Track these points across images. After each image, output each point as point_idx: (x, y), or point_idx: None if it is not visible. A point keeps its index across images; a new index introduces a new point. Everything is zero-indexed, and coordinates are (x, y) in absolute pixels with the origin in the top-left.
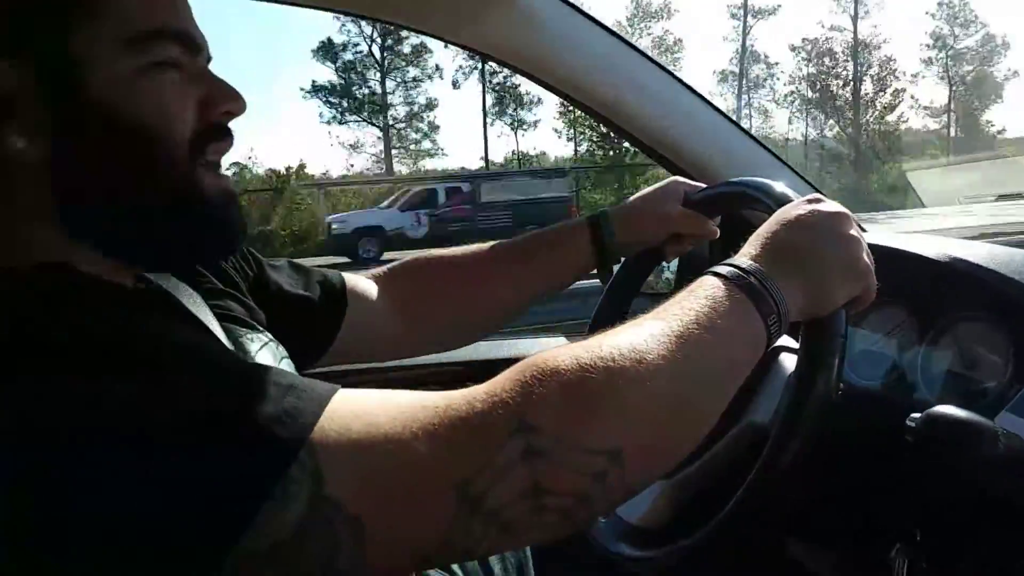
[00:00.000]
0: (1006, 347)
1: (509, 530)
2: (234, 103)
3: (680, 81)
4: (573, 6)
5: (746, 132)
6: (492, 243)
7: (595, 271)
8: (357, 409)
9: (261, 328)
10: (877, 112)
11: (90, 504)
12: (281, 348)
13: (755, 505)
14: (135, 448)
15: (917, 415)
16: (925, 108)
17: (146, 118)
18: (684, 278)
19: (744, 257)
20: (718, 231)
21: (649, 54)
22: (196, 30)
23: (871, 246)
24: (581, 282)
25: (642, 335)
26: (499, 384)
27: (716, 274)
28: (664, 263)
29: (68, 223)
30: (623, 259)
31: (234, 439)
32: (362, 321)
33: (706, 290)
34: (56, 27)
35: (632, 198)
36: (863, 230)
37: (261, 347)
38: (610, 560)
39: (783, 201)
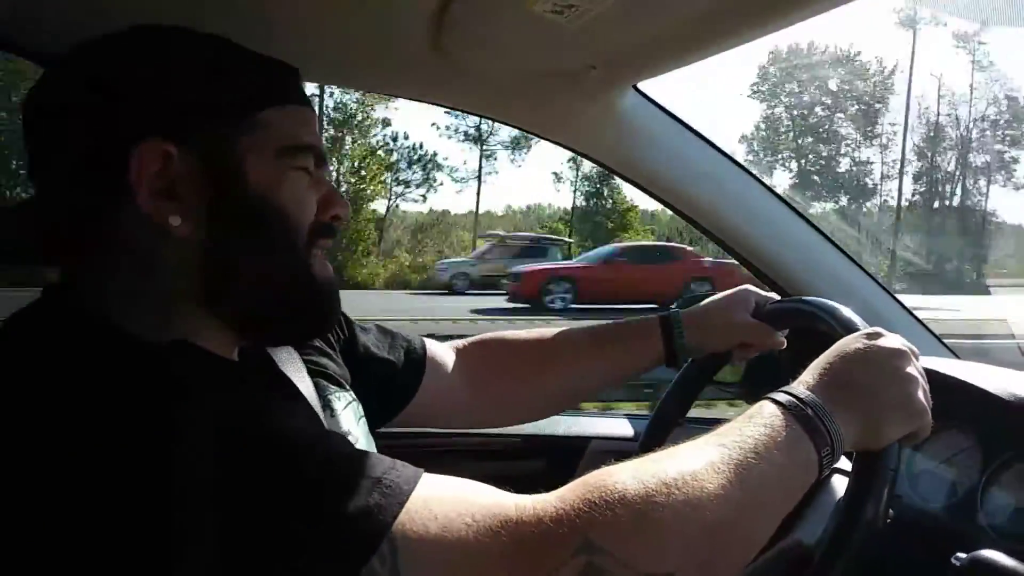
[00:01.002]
0: None
1: None
2: (343, 209)
3: (774, 193)
4: (672, 115)
5: (837, 246)
6: (567, 328)
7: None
8: (436, 508)
9: (347, 387)
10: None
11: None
12: (360, 407)
13: None
14: (233, 531)
15: (963, 555)
16: None
17: (284, 210)
18: (751, 374)
19: (802, 386)
20: (785, 342)
21: (743, 164)
22: (323, 148)
23: (937, 373)
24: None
25: (702, 462)
26: (568, 500)
27: (775, 402)
28: (731, 364)
29: (207, 299)
30: (692, 358)
31: (323, 530)
32: (437, 388)
33: (765, 418)
34: (228, 130)
35: (704, 303)
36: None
37: (346, 406)
38: None
39: (849, 329)
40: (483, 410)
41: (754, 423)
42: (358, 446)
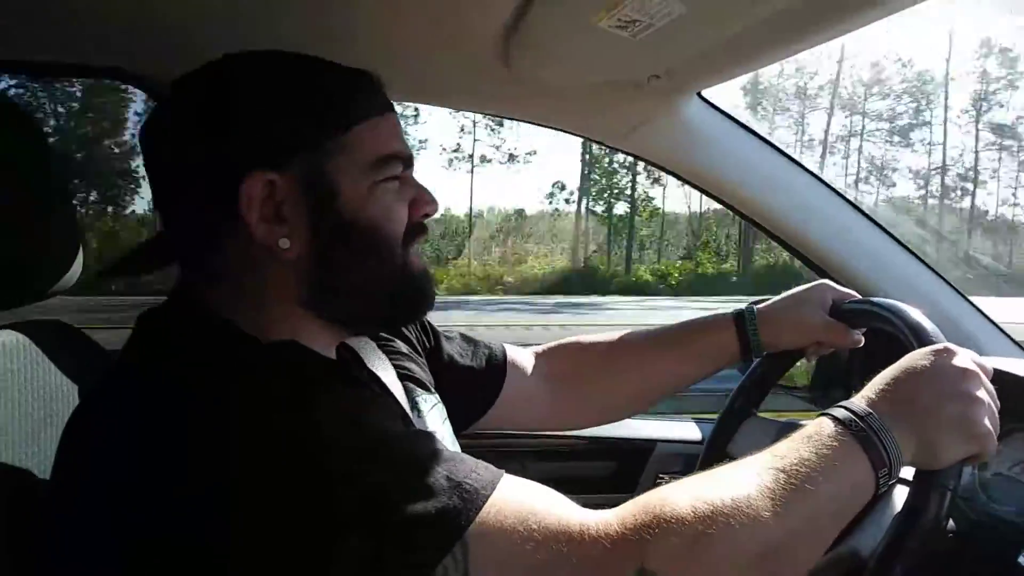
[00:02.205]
0: None
1: None
2: (431, 206)
3: (840, 195)
4: (737, 121)
5: (906, 247)
6: (642, 330)
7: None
8: (507, 520)
9: (432, 390)
10: None
11: (275, 543)
12: (445, 410)
13: None
14: (326, 509)
15: None
16: None
17: (378, 220)
18: (820, 376)
19: (863, 401)
20: (862, 340)
21: (812, 169)
22: (409, 150)
23: (1009, 374)
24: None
25: (757, 488)
26: (627, 521)
27: (834, 418)
28: (805, 359)
29: (312, 305)
30: (764, 354)
31: (405, 525)
32: (518, 392)
33: (823, 439)
34: (322, 153)
35: (780, 298)
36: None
37: (432, 407)
38: None
39: (920, 337)
40: (562, 412)
41: (811, 444)
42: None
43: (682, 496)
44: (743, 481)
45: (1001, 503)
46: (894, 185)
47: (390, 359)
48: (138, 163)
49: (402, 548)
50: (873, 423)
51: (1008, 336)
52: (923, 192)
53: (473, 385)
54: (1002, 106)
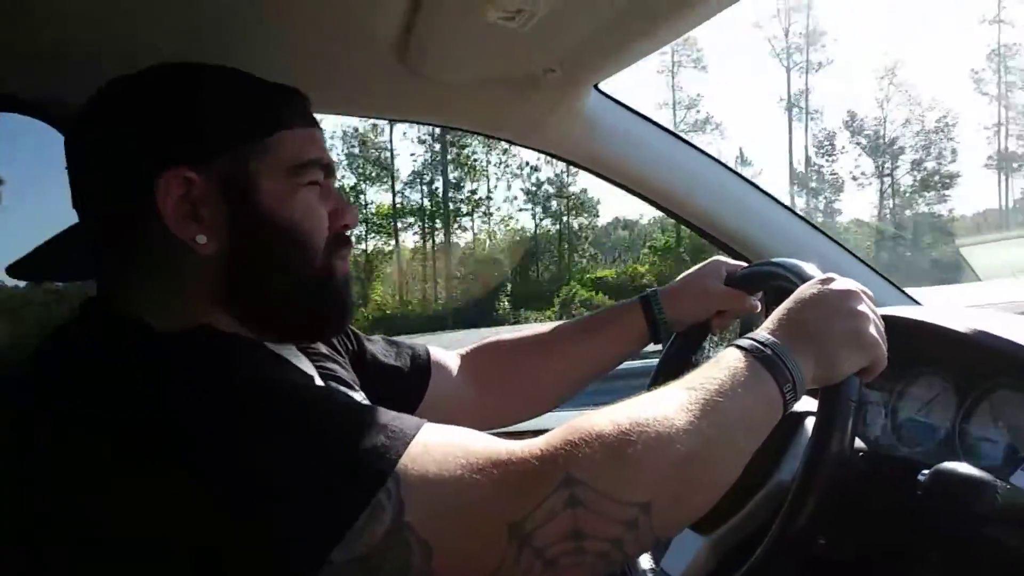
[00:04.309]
0: None
1: (553, 566)
2: (352, 218)
3: (730, 169)
4: (632, 110)
5: (793, 212)
6: (557, 324)
7: (652, 345)
8: (435, 452)
9: (358, 388)
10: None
11: (219, 508)
12: None
13: (779, 556)
14: (261, 467)
15: (927, 471)
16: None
17: (296, 220)
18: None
19: (763, 331)
20: (759, 306)
21: (701, 148)
22: (331, 160)
23: (901, 319)
24: (633, 363)
25: (671, 403)
26: (551, 442)
27: (738, 347)
28: (713, 335)
29: (229, 304)
30: (674, 333)
31: (337, 466)
32: (443, 391)
33: (729, 362)
34: (240, 156)
35: (680, 277)
36: (876, 303)
37: None
38: None
39: (806, 279)
40: (489, 409)
41: (719, 367)
42: None
43: (602, 416)
44: (660, 400)
45: (912, 446)
46: None
47: (311, 360)
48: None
49: (335, 489)
50: (774, 347)
51: (894, 285)
52: None
53: (398, 385)
54: None
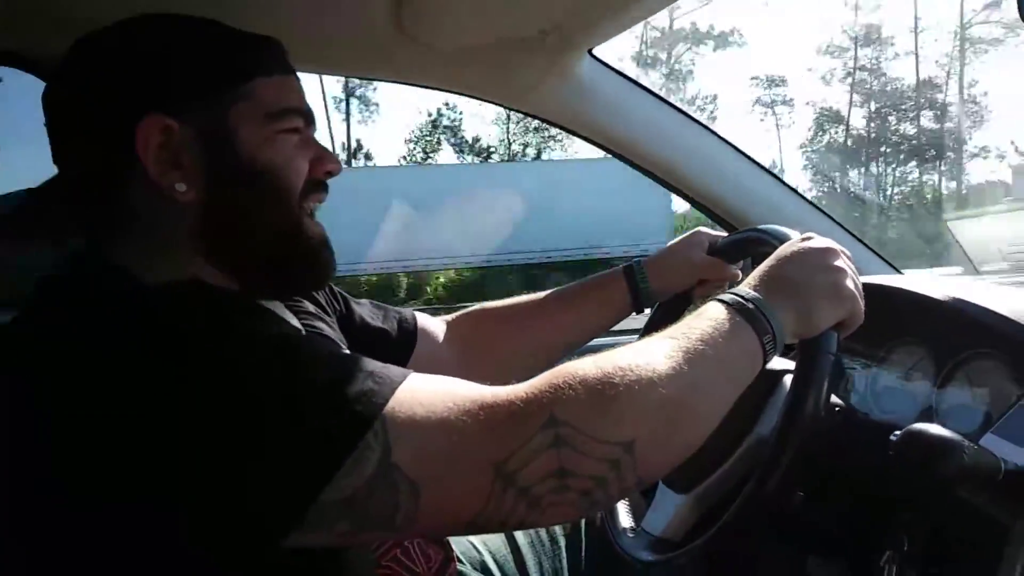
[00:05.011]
0: (1011, 379)
1: (537, 505)
2: (334, 164)
3: (723, 139)
4: (626, 76)
5: (780, 180)
6: (543, 293)
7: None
8: (422, 395)
9: (345, 348)
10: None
11: (211, 452)
12: None
13: (756, 511)
14: (251, 411)
15: (899, 432)
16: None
17: (276, 169)
18: None
19: (744, 287)
20: (740, 274)
21: (691, 113)
22: (310, 108)
23: (881, 287)
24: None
25: (654, 350)
26: (536, 385)
27: (720, 300)
28: (694, 305)
29: (208, 250)
30: (657, 303)
31: (325, 409)
32: (428, 357)
33: (710, 314)
34: (218, 103)
35: (663, 248)
36: (851, 260)
37: None
38: (638, 568)
39: (785, 240)
40: (473, 375)
41: (700, 318)
42: None
43: (586, 361)
44: (643, 348)
45: (890, 412)
46: None
47: (298, 318)
48: None
49: (324, 431)
50: (754, 300)
51: (876, 253)
52: None
53: (384, 347)
54: None
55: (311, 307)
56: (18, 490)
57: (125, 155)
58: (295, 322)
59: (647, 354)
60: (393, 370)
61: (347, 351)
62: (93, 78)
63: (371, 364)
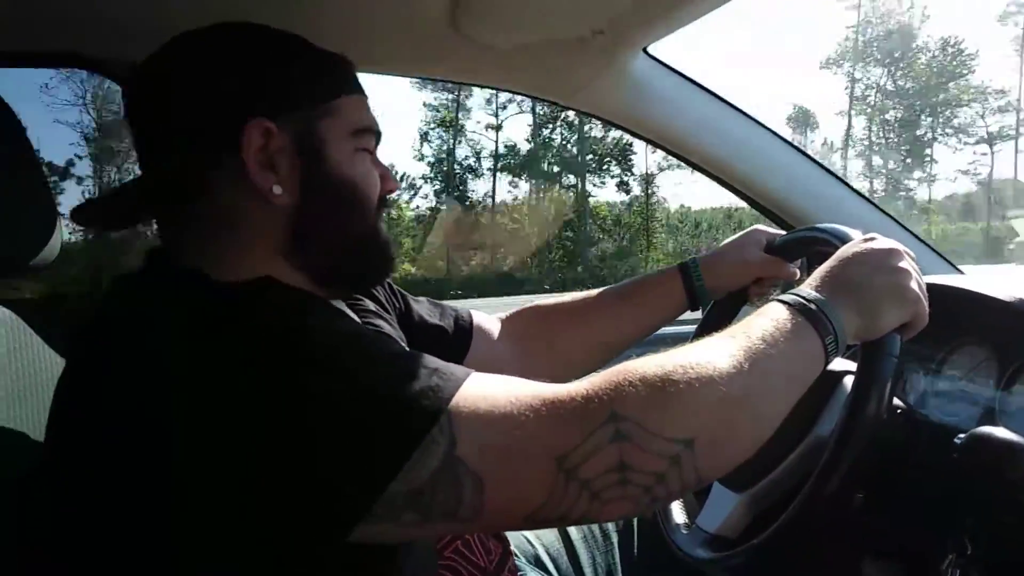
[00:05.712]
0: None
1: (598, 498)
2: (394, 184)
3: (777, 136)
4: (681, 74)
5: (837, 178)
6: (597, 290)
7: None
8: (485, 392)
9: (405, 344)
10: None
11: (285, 444)
12: None
13: (815, 512)
14: (325, 405)
15: (963, 435)
16: None
17: (358, 180)
18: None
19: (806, 287)
20: (798, 273)
21: (747, 112)
22: (380, 129)
23: (944, 287)
24: (673, 328)
25: (715, 349)
26: (596, 381)
27: (781, 302)
28: (751, 303)
29: (293, 254)
30: (713, 301)
31: (394, 404)
32: (484, 355)
33: (772, 314)
34: (312, 114)
35: (720, 246)
36: (915, 261)
37: None
38: (691, 565)
39: (846, 241)
40: (528, 372)
41: (761, 318)
42: None
43: (646, 359)
44: (703, 347)
45: (952, 414)
46: None
47: (360, 316)
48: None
49: (393, 425)
50: (816, 301)
51: (938, 253)
52: None
53: (442, 345)
54: None
55: (371, 305)
56: (95, 487)
57: (220, 154)
58: (357, 320)
59: (708, 353)
60: (457, 368)
61: (408, 348)
62: (196, 78)
63: (435, 361)
